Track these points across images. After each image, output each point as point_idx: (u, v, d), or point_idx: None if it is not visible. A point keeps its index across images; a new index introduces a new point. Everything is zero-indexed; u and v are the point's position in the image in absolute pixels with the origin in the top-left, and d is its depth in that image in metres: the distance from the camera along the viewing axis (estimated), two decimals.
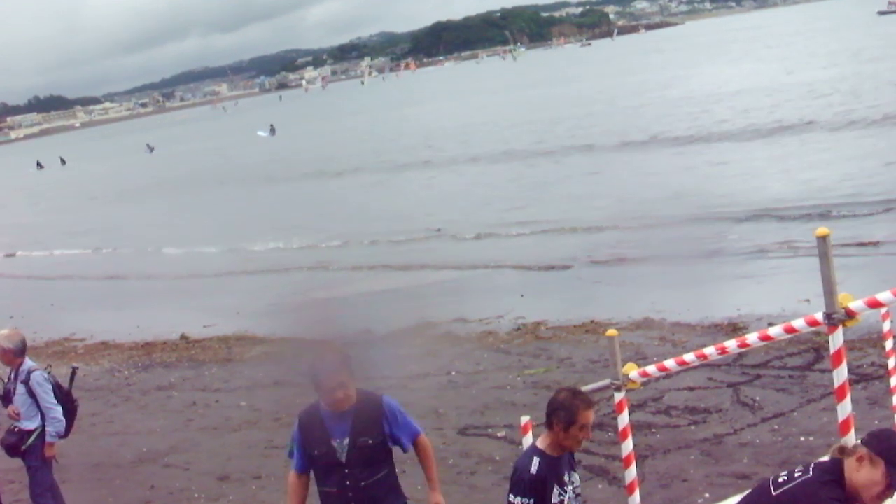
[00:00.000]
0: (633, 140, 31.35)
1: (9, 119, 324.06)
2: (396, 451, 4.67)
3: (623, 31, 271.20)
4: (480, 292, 15.50)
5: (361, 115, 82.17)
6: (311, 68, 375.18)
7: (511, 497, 4.13)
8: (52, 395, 7.14)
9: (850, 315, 4.09)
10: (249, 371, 12.40)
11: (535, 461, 4.11)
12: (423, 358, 11.75)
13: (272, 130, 75.26)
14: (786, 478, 3.52)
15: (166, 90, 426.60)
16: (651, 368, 5.16)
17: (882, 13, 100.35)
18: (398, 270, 18.08)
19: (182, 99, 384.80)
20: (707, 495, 6.85)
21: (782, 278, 13.20)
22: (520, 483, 4.10)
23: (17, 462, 7.54)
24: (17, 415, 7.15)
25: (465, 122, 52.44)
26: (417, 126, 56.43)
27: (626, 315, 12.28)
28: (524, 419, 5.32)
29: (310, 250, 21.76)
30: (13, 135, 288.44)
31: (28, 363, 7.22)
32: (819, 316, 4.20)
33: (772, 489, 3.51)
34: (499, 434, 8.77)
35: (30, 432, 7.15)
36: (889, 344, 5.73)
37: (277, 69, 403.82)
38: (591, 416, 4.12)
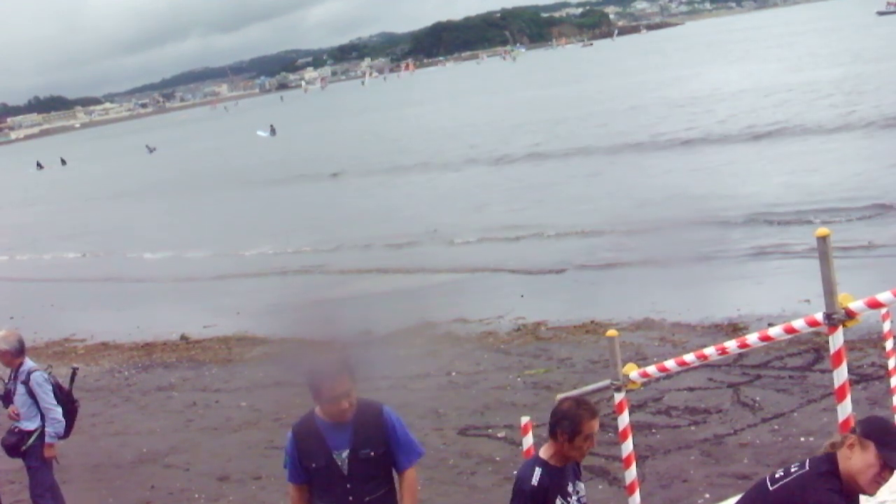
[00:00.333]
0: (633, 142, 31.32)
1: (9, 119, 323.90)
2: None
3: (623, 31, 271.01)
4: (480, 293, 15.50)
5: (361, 115, 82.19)
6: (311, 69, 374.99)
7: None
8: (53, 395, 7.13)
9: (850, 315, 4.10)
10: (250, 371, 12.41)
11: (537, 472, 4.04)
12: (424, 358, 11.75)
13: (272, 131, 75.27)
14: (782, 473, 3.53)
15: (166, 90, 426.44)
16: (651, 369, 5.17)
17: (881, 13, 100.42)
18: (397, 273, 18.04)
19: (182, 99, 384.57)
20: (707, 496, 6.85)
21: (782, 279, 13.20)
22: (521, 494, 4.05)
23: (17, 462, 7.54)
24: (18, 415, 7.15)
25: (465, 123, 52.42)
26: (417, 127, 56.42)
27: (626, 315, 12.29)
28: (524, 419, 5.33)
29: (309, 252, 21.75)
30: (13, 135, 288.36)
31: (28, 363, 7.22)
32: (819, 316, 4.21)
33: (769, 485, 3.52)
34: (499, 434, 8.78)
35: (30, 433, 7.15)
36: (889, 344, 5.75)
37: (277, 69, 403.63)
38: (595, 426, 4.05)
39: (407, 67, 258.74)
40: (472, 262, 17.92)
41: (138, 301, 19.28)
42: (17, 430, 7.19)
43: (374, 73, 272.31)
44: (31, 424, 7.14)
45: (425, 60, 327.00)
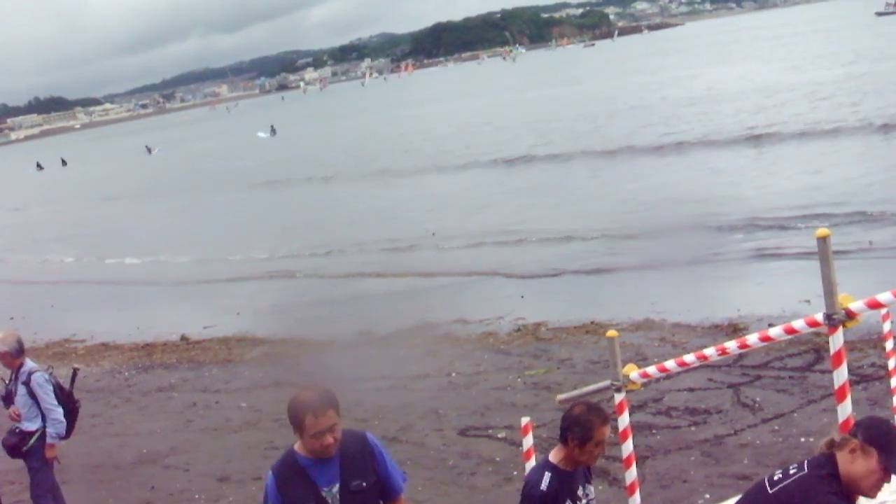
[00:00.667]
0: (633, 143, 31.30)
1: (9, 120, 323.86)
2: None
3: (623, 31, 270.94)
4: (480, 293, 15.49)
5: (361, 116, 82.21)
6: (311, 69, 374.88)
7: None
8: (54, 396, 7.14)
9: (850, 316, 4.10)
10: (249, 372, 12.41)
11: (547, 476, 4.04)
12: (424, 359, 11.76)
13: (272, 131, 75.32)
14: (781, 475, 3.52)
15: (167, 91, 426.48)
16: (651, 369, 5.16)
17: (880, 14, 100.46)
18: (397, 274, 18.02)
19: (182, 100, 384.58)
20: (707, 496, 6.85)
21: (782, 279, 13.20)
22: (530, 498, 4.04)
23: (18, 463, 7.54)
24: (18, 416, 7.15)
25: (465, 123, 52.42)
26: (416, 128, 56.42)
27: (626, 316, 12.29)
28: (524, 420, 5.33)
29: (309, 253, 21.73)
30: (13, 136, 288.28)
31: (29, 364, 7.22)
32: (819, 317, 4.21)
33: (768, 487, 3.51)
34: (499, 435, 8.78)
35: (31, 433, 7.15)
36: (889, 345, 5.74)
37: (278, 70, 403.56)
38: (606, 432, 4.04)
39: (406, 68, 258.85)
40: (473, 263, 17.90)
41: (138, 302, 19.28)
42: (18, 430, 7.19)
43: (375, 74, 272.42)
44: (32, 425, 7.15)
45: (425, 61, 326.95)
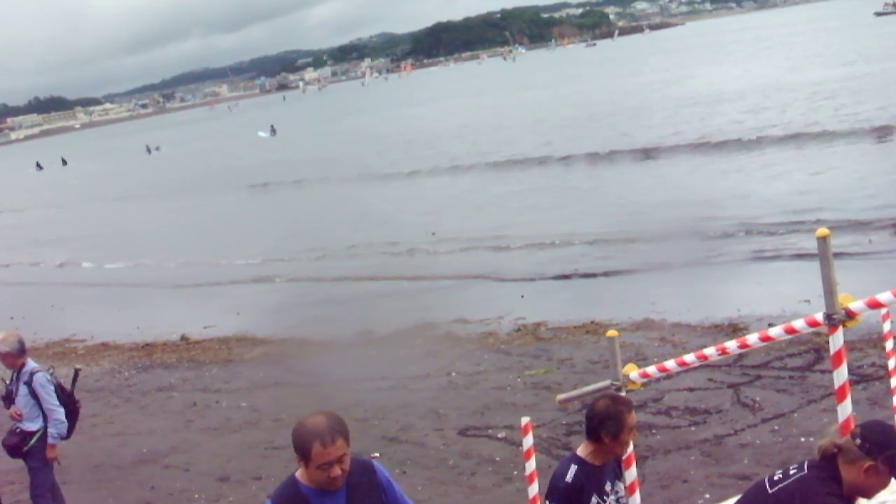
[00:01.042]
0: (634, 144, 31.30)
1: (9, 120, 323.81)
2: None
3: (624, 31, 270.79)
4: (480, 293, 15.49)
5: (361, 116, 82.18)
6: (311, 69, 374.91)
7: (547, 502, 4.12)
8: (55, 396, 7.14)
9: (850, 315, 4.09)
10: (249, 372, 12.41)
11: (573, 469, 4.06)
12: (424, 358, 11.76)
13: (273, 131, 75.32)
14: (781, 475, 3.52)
15: (167, 91, 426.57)
16: (651, 369, 5.15)
17: (879, 14, 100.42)
18: (397, 275, 18.01)
19: (182, 100, 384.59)
20: (707, 496, 6.86)
21: (782, 279, 13.21)
22: (555, 490, 4.06)
23: (17, 463, 7.54)
24: (19, 416, 7.15)
25: (465, 124, 52.40)
26: (416, 129, 56.40)
27: (626, 316, 12.30)
28: (524, 420, 5.32)
29: (309, 254, 21.73)
30: (13, 136, 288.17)
31: (30, 364, 7.22)
32: (819, 316, 4.20)
33: (767, 487, 3.51)
34: (499, 435, 8.78)
35: (32, 433, 7.15)
36: (889, 345, 5.73)
37: (278, 70, 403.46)
38: (635, 417, 4.10)
39: (406, 68, 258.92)
40: (473, 263, 17.89)
41: (138, 302, 19.28)
42: (18, 430, 7.19)
43: (375, 74, 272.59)
44: (33, 425, 7.15)
45: (425, 61, 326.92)
